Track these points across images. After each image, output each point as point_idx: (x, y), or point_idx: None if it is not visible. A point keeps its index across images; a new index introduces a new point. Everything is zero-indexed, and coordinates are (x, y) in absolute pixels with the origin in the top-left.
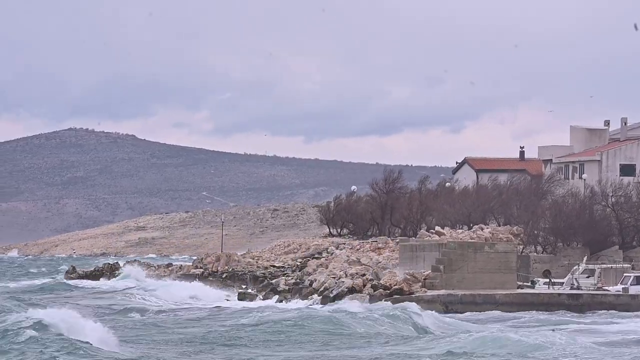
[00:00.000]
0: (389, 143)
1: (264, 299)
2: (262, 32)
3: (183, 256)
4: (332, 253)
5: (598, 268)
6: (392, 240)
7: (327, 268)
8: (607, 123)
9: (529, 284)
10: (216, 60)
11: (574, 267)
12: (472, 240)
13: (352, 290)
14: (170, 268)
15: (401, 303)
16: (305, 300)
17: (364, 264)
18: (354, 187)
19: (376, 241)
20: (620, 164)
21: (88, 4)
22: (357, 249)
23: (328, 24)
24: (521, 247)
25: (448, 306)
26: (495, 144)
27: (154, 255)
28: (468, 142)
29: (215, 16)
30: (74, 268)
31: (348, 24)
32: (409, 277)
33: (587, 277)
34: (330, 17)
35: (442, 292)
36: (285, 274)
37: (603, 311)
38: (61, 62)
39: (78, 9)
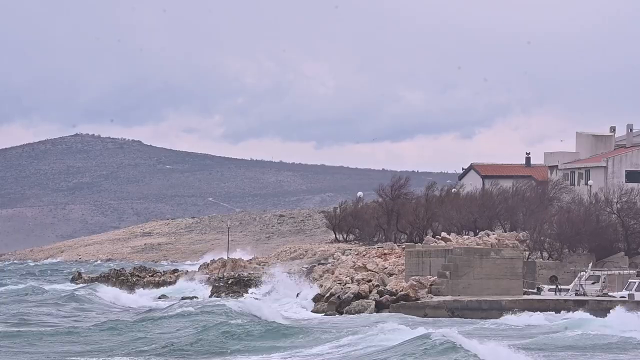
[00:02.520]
0: (400, 149)
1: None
2: (275, 37)
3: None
4: (338, 259)
5: (603, 274)
6: (398, 246)
7: (333, 274)
8: (612, 129)
9: (535, 290)
10: (229, 65)
11: (580, 273)
12: (478, 246)
13: (358, 296)
14: (176, 274)
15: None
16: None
17: (370, 270)
18: (360, 193)
19: (382, 247)
20: (626, 170)
21: (101, 8)
22: (363, 255)
23: (341, 29)
24: (527, 253)
25: (454, 312)
26: (507, 150)
27: (165, 262)
28: (479, 148)
29: (229, 21)
30: (79, 274)
31: (361, 29)
32: (415, 283)
33: (593, 283)
34: (343, 22)
35: (448, 298)
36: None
37: None
38: (74, 67)
39: (91, 12)
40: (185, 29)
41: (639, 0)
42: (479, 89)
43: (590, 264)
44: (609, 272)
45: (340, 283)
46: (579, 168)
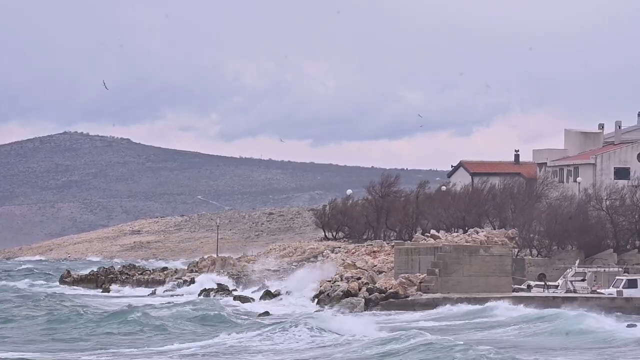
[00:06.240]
0: (397, 148)
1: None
2: (275, 37)
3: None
4: (328, 256)
5: (588, 271)
6: (387, 243)
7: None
8: (601, 126)
9: (525, 287)
10: (229, 65)
11: (567, 270)
12: (468, 244)
13: (347, 294)
14: (165, 272)
15: None
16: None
17: (359, 268)
18: (349, 191)
19: (372, 245)
20: (614, 168)
21: (101, 8)
22: (353, 253)
23: (341, 29)
24: (516, 250)
25: None
26: (507, 148)
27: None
28: (476, 147)
29: (229, 21)
30: (68, 272)
31: (361, 29)
32: (404, 280)
33: (582, 280)
34: (343, 22)
35: (437, 295)
36: (280, 277)
37: None
38: (74, 67)
39: (91, 12)
40: (185, 29)
41: (639, 0)
42: (478, 89)
43: (577, 261)
44: (595, 269)
45: (330, 281)
46: (567, 165)
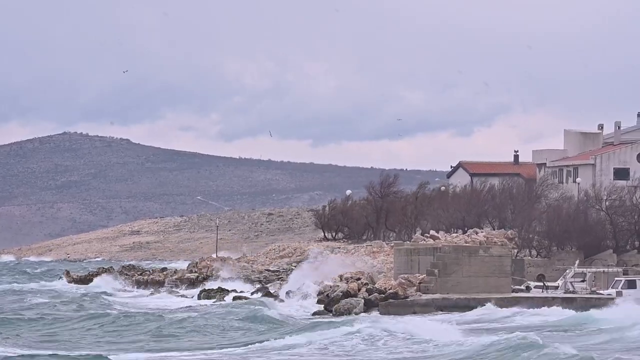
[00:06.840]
0: (395, 147)
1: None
2: (275, 37)
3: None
4: (327, 257)
5: (588, 272)
6: (387, 244)
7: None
8: (600, 127)
9: (524, 288)
10: (229, 65)
11: (566, 271)
12: (467, 244)
13: (347, 295)
14: (165, 272)
15: None
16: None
17: (358, 268)
18: (348, 191)
19: (371, 245)
20: (614, 168)
21: (101, 8)
22: (352, 253)
23: (341, 29)
24: (516, 251)
25: (443, 310)
26: (508, 148)
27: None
28: (477, 147)
29: (229, 21)
30: (68, 272)
31: (361, 29)
32: (404, 281)
33: (582, 280)
34: (343, 22)
35: (436, 296)
36: (280, 277)
37: None
38: (74, 67)
39: (91, 12)
40: (185, 29)
41: (639, 0)
42: (479, 89)
43: (577, 262)
44: (595, 269)
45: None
46: (567, 165)
